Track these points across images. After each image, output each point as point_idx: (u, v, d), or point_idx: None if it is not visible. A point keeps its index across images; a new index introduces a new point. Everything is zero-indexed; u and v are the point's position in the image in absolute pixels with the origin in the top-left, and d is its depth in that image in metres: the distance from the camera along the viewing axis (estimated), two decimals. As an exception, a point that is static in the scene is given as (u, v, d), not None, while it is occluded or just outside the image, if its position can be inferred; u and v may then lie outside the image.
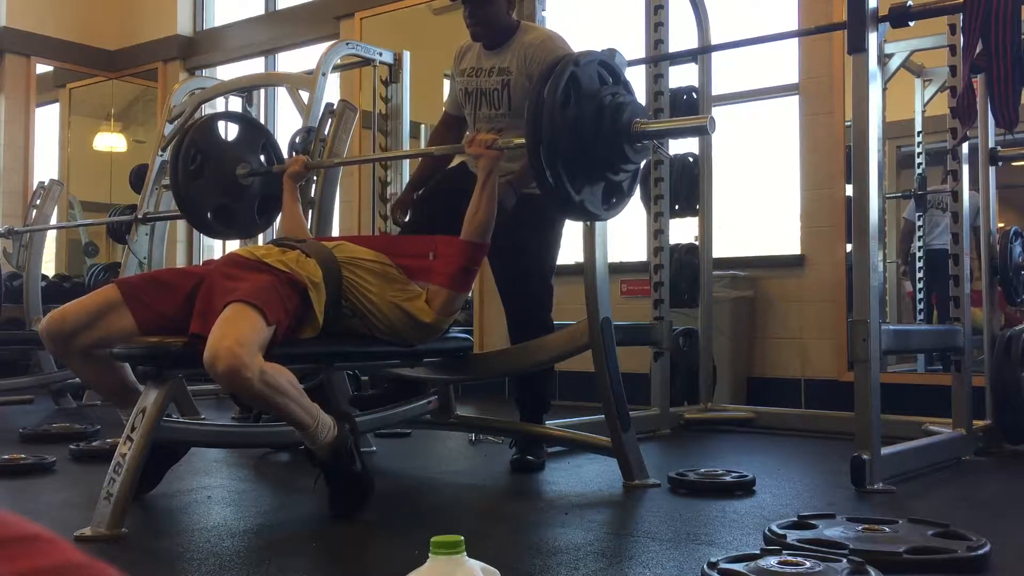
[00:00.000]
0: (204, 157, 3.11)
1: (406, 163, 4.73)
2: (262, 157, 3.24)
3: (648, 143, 2.53)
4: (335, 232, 4.14)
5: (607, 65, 2.48)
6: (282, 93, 6.86)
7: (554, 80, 2.33)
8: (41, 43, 8.03)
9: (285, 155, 3.40)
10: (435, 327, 2.62)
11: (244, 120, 3.43)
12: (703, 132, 2.44)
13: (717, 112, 4.49)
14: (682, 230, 4.42)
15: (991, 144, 3.53)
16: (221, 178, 3.15)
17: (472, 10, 3.02)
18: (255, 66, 7.47)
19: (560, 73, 2.34)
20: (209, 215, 3.20)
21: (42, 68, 8.23)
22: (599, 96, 2.39)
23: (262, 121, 6.06)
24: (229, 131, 3.31)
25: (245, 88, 5.15)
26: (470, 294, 5.65)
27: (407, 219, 3.27)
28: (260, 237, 3.98)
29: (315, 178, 3.35)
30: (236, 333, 2.10)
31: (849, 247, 3.79)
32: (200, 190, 3.14)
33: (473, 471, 3.28)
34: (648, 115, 4.19)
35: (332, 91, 4.39)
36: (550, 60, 2.52)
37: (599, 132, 2.36)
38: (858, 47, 2.76)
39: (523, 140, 2.41)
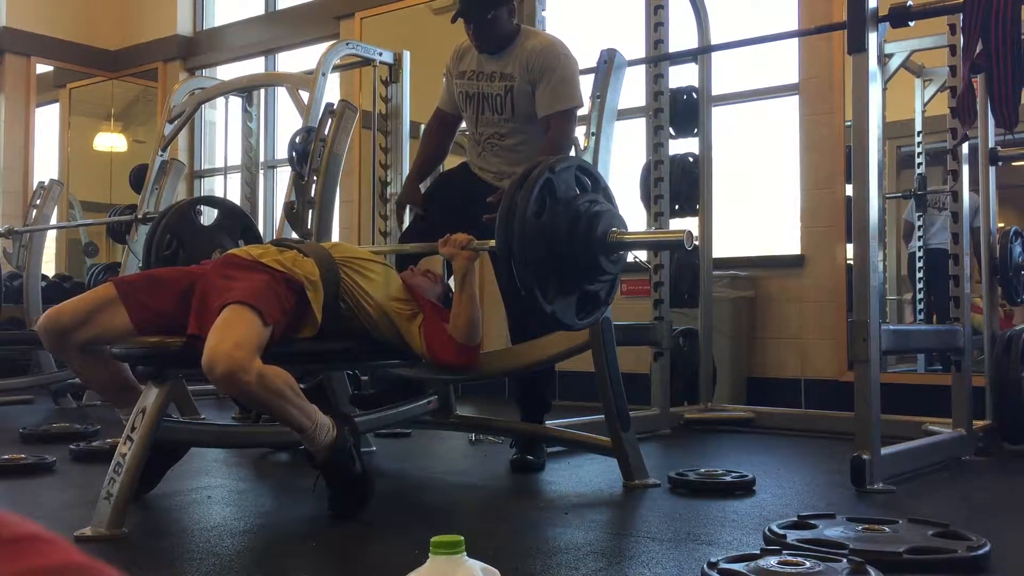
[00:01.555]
0: (179, 242, 3.08)
1: (406, 164, 4.72)
2: (241, 242, 3.22)
3: (624, 253, 2.42)
4: (335, 232, 4.14)
5: (586, 171, 2.42)
6: (282, 93, 6.86)
7: (528, 186, 2.24)
8: (41, 43, 8.03)
9: (285, 154, 3.39)
10: (420, 354, 2.62)
11: (224, 206, 3.42)
12: (679, 247, 2.36)
13: (717, 112, 4.49)
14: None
15: (991, 144, 3.54)
16: (195, 263, 3.12)
17: (477, 31, 3.01)
18: (255, 66, 7.47)
19: (535, 179, 2.25)
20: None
21: (42, 68, 8.24)
22: (575, 204, 2.29)
23: (262, 121, 6.07)
24: (208, 216, 3.29)
25: (245, 88, 5.15)
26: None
27: (409, 224, 3.27)
28: (260, 227, 3.97)
29: (315, 178, 3.35)
30: (234, 336, 2.10)
31: (849, 247, 3.79)
32: None
33: (473, 471, 3.28)
34: (649, 116, 4.20)
35: (332, 91, 4.39)
36: (525, 166, 2.40)
37: (573, 241, 2.27)
38: (858, 47, 2.76)
39: (493, 243, 2.34)
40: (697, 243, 4.38)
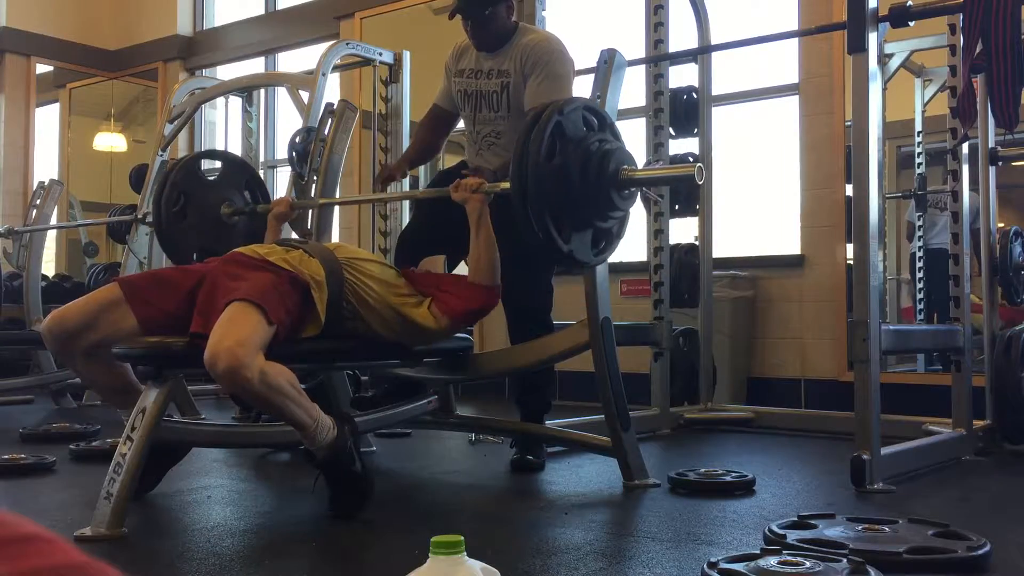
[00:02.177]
0: (187, 197, 3.09)
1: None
2: (247, 194, 3.23)
3: (636, 189, 2.49)
4: (335, 232, 4.14)
5: (593, 110, 2.46)
6: (282, 93, 6.86)
7: (539, 130, 2.29)
8: (41, 43, 8.03)
9: (285, 154, 3.39)
10: (436, 332, 2.61)
11: (228, 158, 3.42)
12: (690, 181, 2.40)
13: (717, 112, 4.49)
14: (682, 230, 4.42)
15: (991, 144, 3.53)
16: (205, 218, 3.12)
17: (474, 28, 3.01)
18: (255, 66, 7.47)
19: (545, 122, 2.30)
20: (194, 256, 3.16)
21: (42, 68, 8.24)
22: (585, 144, 2.35)
23: (262, 121, 6.07)
24: (213, 169, 3.30)
25: (245, 88, 5.15)
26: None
27: (408, 223, 3.27)
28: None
29: (315, 178, 3.35)
30: (237, 333, 2.10)
31: (849, 247, 3.79)
32: (184, 231, 3.11)
33: (473, 471, 3.28)
34: (649, 116, 4.20)
35: (332, 91, 4.38)
36: (535, 108, 2.44)
37: (586, 180, 2.33)
38: (858, 47, 2.76)
39: (508, 186, 2.39)
40: (696, 241, 4.39)
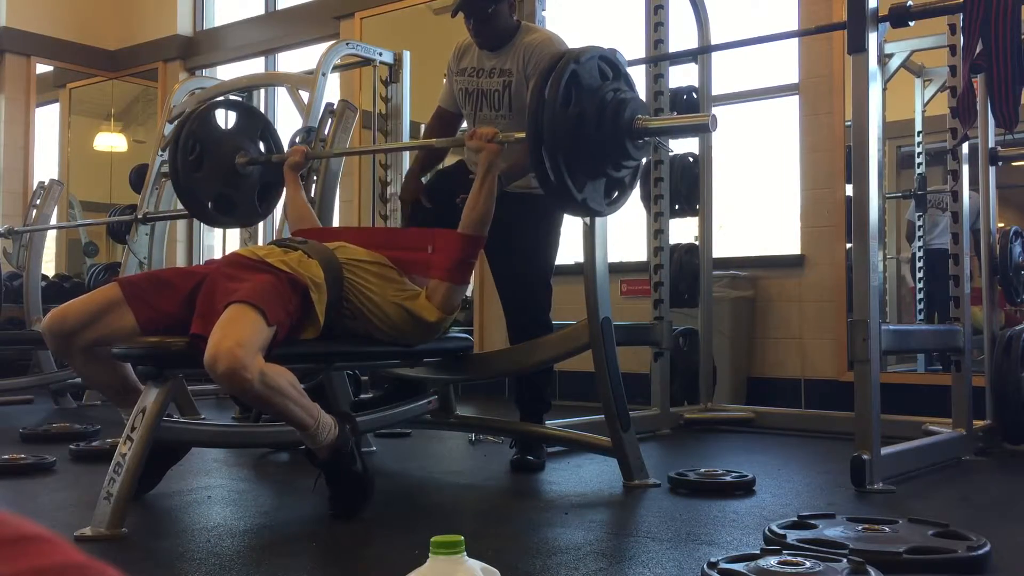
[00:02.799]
0: (203, 147, 3.11)
1: (406, 165, 4.73)
2: (261, 145, 3.24)
3: (650, 140, 2.52)
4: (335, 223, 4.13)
5: (608, 60, 2.46)
6: (282, 93, 6.87)
7: (555, 78, 2.31)
8: (41, 43, 8.03)
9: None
10: (437, 325, 2.61)
11: (242, 108, 3.42)
12: (704, 130, 2.43)
13: (717, 112, 4.49)
14: (682, 230, 4.42)
15: (991, 144, 3.54)
16: (220, 167, 3.15)
17: (477, 26, 3.01)
18: (255, 66, 7.47)
19: (561, 70, 2.32)
20: (209, 205, 3.19)
21: (42, 68, 8.24)
22: (601, 92, 2.37)
23: (262, 121, 6.06)
24: (228, 119, 3.30)
25: (245, 88, 5.15)
26: (469, 293, 5.65)
27: (410, 214, 3.27)
28: (260, 227, 3.97)
29: (315, 177, 3.35)
30: (237, 334, 2.10)
31: (849, 247, 3.79)
32: (199, 180, 3.14)
33: (473, 471, 3.28)
34: (650, 112, 4.20)
35: (332, 91, 4.39)
36: (551, 56, 2.49)
37: (601, 129, 2.35)
38: (858, 47, 2.76)
39: (524, 135, 2.41)
40: (696, 241, 4.39)
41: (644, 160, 2.53)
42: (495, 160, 2.62)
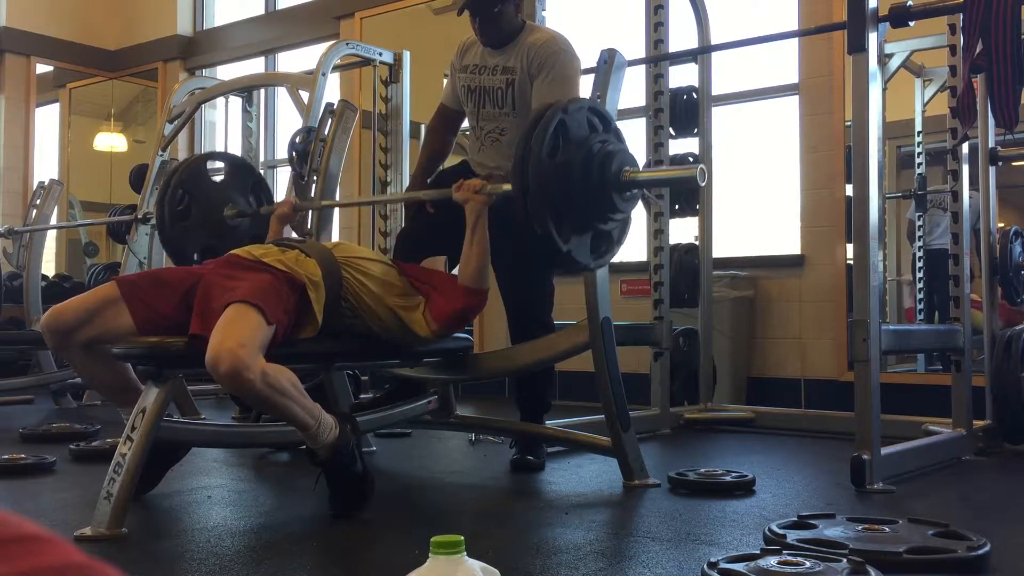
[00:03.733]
0: (191, 198, 3.09)
1: (406, 164, 4.73)
2: (251, 198, 3.23)
3: (638, 192, 2.47)
4: (335, 232, 4.14)
5: (597, 111, 2.45)
6: (282, 93, 6.86)
7: (542, 127, 2.28)
8: (41, 43, 8.03)
9: (285, 154, 3.39)
10: (427, 340, 2.62)
11: (233, 161, 3.42)
12: (692, 183, 2.38)
13: (717, 112, 4.49)
14: (682, 230, 4.42)
15: (991, 144, 3.53)
16: (208, 219, 3.12)
17: (482, 24, 3.01)
18: (255, 66, 7.47)
19: (549, 120, 2.29)
20: (196, 256, 3.16)
21: (42, 68, 8.24)
22: (588, 144, 2.33)
23: (262, 121, 6.07)
24: (219, 171, 3.31)
25: (245, 88, 5.16)
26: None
27: (405, 223, 3.26)
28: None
29: (315, 178, 3.35)
30: (238, 334, 2.10)
31: (849, 247, 3.79)
32: (186, 231, 3.10)
33: (473, 471, 3.28)
34: (649, 116, 4.20)
35: (332, 91, 4.39)
36: (538, 107, 2.44)
37: (587, 181, 2.31)
38: (858, 47, 2.76)
39: (510, 187, 2.37)
40: (696, 241, 4.39)
41: (633, 207, 2.47)
42: (483, 211, 2.60)
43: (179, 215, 3.07)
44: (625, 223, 2.52)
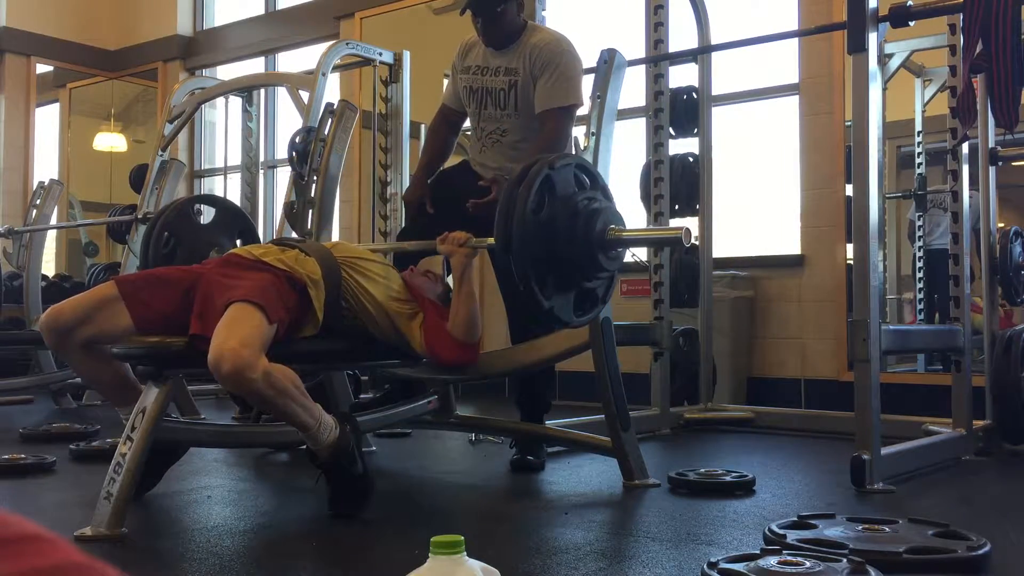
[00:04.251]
0: (177, 240, 3.07)
1: (406, 164, 4.73)
2: (239, 242, 3.22)
3: (623, 250, 2.43)
4: (335, 232, 4.14)
5: (585, 168, 2.42)
6: (282, 93, 6.86)
7: (527, 183, 2.24)
8: (41, 43, 8.03)
9: (285, 154, 3.39)
10: (419, 354, 2.62)
11: (222, 204, 3.41)
12: (677, 243, 2.36)
13: (717, 112, 4.49)
14: (682, 230, 4.41)
15: (991, 144, 3.54)
16: (193, 262, 3.11)
17: (485, 25, 3.01)
18: (255, 66, 7.47)
19: (535, 176, 2.25)
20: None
21: (42, 68, 8.24)
22: (574, 201, 2.30)
23: (262, 121, 6.07)
24: (206, 214, 3.29)
25: (245, 88, 5.15)
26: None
27: (405, 223, 3.26)
28: (260, 229, 3.94)
29: (315, 178, 3.35)
30: (240, 334, 2.10)
31: (849, 247, 3.79)
32: None
33: (473, 471, 3.28)
34: (649, 116, 4.20)
35: (332, 91, 4.39)
36: (525, 163, 2.40)
37: (572, 239, 2.27)
38: (858, 47, 2.76)
39: (493, 241, 2.34)
40: (696, 242, 4.39)
41: (619, 265, 2.43)
42: (469, 263, 2.59)
43: (164, 258, 3.06)
44: (611, 280, 2.48)
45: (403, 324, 2.56)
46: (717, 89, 4.50)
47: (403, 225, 3.38)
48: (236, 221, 3.28)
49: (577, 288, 2.38)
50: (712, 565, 1.70)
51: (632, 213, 4.36)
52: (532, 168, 2.28)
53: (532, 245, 2.24)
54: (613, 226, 2.33)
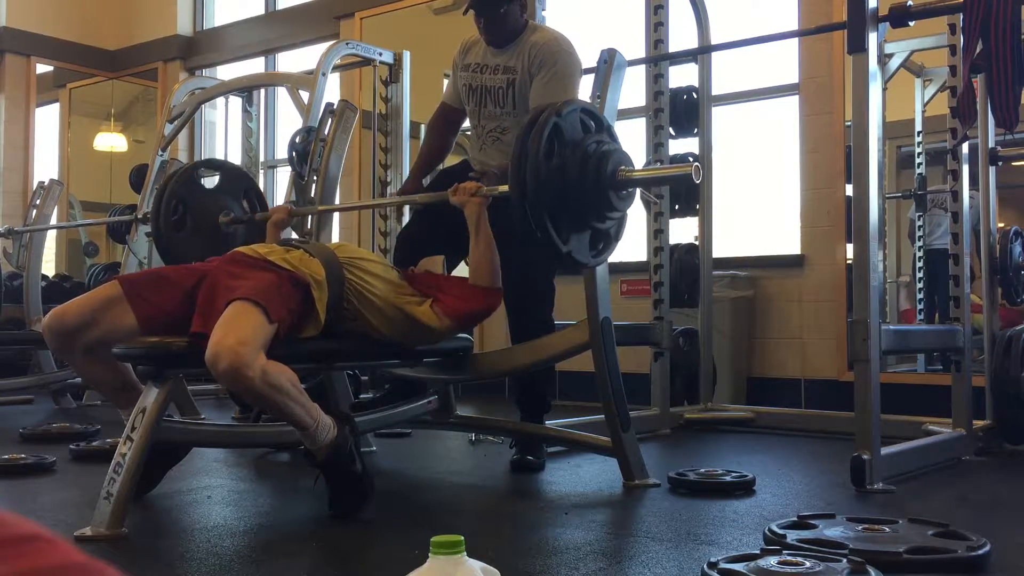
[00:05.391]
0: (186, 207, 3.09)
1: (406, 164, 4.73)
2: (245, 204, 3.23)
3: (633, 190, 2.51)
4: (335, 232, 4.14)
5: (590, 112, 2.47)
6: (282, 93, 6.86)
7: (537, 131, 2.31)
8: (41, 43, 8.03)
9: (285, 154, 3.39)
10: (439, 331, 2.61)
11: (226, 167, 3.42)
12: (688, 180, 2.41)
13: (717, 112, 4.49)
14: (682, 230, 4.42)
15: (991, 144, 3.54)
16: (203, 227, 3.13)
17: (487, 25, 3.01)
18: (255, 66, 7.47)
19: (543, 124, 2.32)
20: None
21: (42, 68, 8.23)
22: (583, 145, 2.37)
23: (262, 121, 6.07)
24: (211, 179, 3.30)
25: (245, 88, 5.16)
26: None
27: (407, 223, 3.27)
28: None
29: (315, 178, 3.35)
30: (238, 332, 2.10)
31: (849, 247, 3.79)
32: (183, 240, 3.11)
33: (473, 471, 3.28)
34: (649, 116, 4.20)
35: (332, 91, 4.39)
36: (533, 110, 2.46)
37: (584, 181, 2.34)
38: (858, 47, 2.76)
39: (507, 189, 2.40)
40: (696, 241, 4.39)
41: (630, 205, 2.52)
42: (482, 212, 2.63)
43: (175, 225, 3.07)
44: (622, 220, 2.55)
45: (415, 311, 2.56)
46: (717, 89, 4.50)
47: (402, 225, 3.38)
48: (240, 182, 3.29)
49: (591, 229, 2.45)
50: (712, 565, 1.70)
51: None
52: (540, 116, 2.34)
53: (546, 191, 2.30)
54: (623, 167, 2.39)
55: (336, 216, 4.02)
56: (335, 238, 3.97)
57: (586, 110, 2.47)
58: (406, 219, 3.38)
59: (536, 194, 2.29)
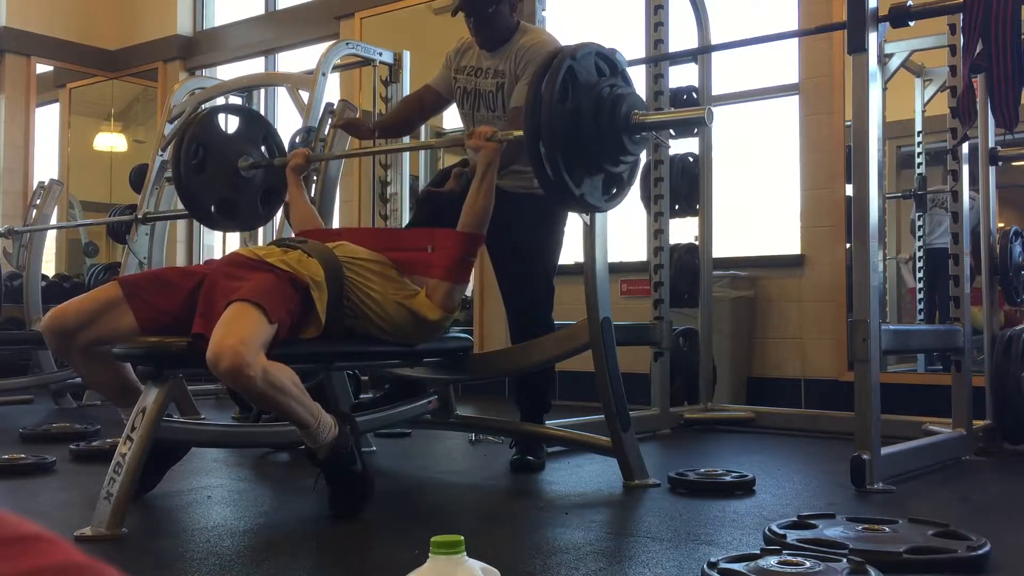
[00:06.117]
0: (206, 150, 3.10)
1: (406, 165, 4.73)
2: (263, 149, 3.24)
3: (647, 134, 2.52)
4: (335, 226, 4.13)
5: (605, 56, 2.46)
6: (282, 93, 6.86)
7: (552, 74, 2.31)
8: (41, 43, 8.03)
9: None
10: (439, 324, 2.61)
11: (245, 112, 3.42)
12: (700, 124, 2.43)
13: (717, 112, 4.48)
14: (682, 230, 4.42)
15: (991, 144, 3.54)
16: (223, 171, 3.15)
17: (477, 26, 3.01)
18: (255, 66, 7.47)
19: (558, 67, 2.31)
20: (212, 208, 3.19)
21: (42, 68, 8.24)
22: (597, 88, 2.37)
23: (262, 121, 6.06)
24: (230, 124, 3.30)
25: (245, 88, 5.16)
26: (469, 293, 5.65)
27: (410, 220, 3.27)
28: (260, 231, 3.96)
29: (315, 178, 3.35)
30: (239, 332, 2.10)
31: (849, 247, 3.79)
32: (203, 184, 3.13)
33: (473, 471, 3.28)
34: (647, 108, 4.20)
35: (332, 91, 4.39)
36: (547, 52, 2.48)
37: (598, 125, 2.35)
38: (858, 47, 2.76)
39: (521, 132, 2.40)
40: (696, 241, 4.39)
41: (643, 157, 2.51)
42: (494, 158, 2.63)
43: (195, 168, 3.09)
44: (635, 165, 2.56)
45: (411, 302, 2.56)
46: (717, 89, 4.50)
47: (402, 225, 3.39)
48: (259, 126, 3.29)
49: (604, 173, 2.45)
50: (712, 565, 1.70)
51: (633, 212, 4.37)
52: (555, 59, 2.33)
53: (560, 133, 2.30)
54: (637, 111, 2.39)
55: (336, 216, 4.01)
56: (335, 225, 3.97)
57: (601, 53, 2.46)
58: (406, 217, 3.37)
59: (550, 136, 2.29)
